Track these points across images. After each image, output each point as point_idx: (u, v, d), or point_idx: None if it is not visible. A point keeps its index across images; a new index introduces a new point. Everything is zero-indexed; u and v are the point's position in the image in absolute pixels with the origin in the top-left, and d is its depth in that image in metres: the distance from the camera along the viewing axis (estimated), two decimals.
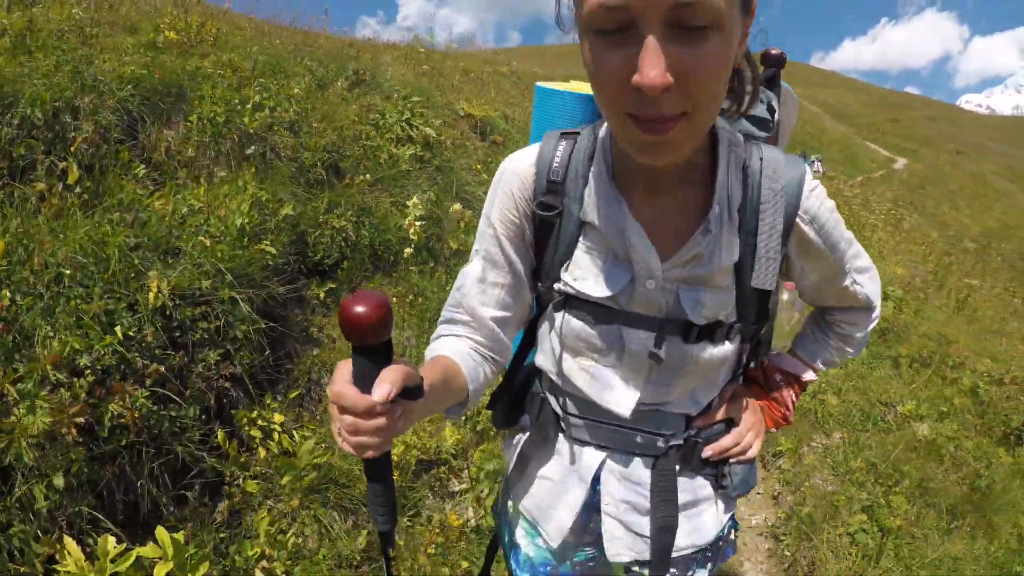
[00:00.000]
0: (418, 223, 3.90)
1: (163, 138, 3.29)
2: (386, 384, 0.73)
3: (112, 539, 1.84)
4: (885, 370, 5.21)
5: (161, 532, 1.88)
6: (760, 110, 1.11)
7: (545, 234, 1.05)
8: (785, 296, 1.36)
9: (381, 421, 0.75)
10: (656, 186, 0.97)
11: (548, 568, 1.25)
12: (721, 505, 1.22)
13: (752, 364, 1.28)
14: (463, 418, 2.94)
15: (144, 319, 2.23)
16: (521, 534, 1.29)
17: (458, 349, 1.07)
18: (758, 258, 0.97)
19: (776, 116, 1.17)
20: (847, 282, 1.11)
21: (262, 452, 2.51)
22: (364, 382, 0.74)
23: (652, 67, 0.69)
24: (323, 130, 4.14)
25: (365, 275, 3.80)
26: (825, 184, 10.41)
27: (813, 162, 13.06)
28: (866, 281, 1.14)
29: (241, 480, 2.40)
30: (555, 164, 1.01)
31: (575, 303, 1.04)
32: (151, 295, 2.19)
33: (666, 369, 1.04)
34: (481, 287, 1.09)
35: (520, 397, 1.25)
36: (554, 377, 1.16)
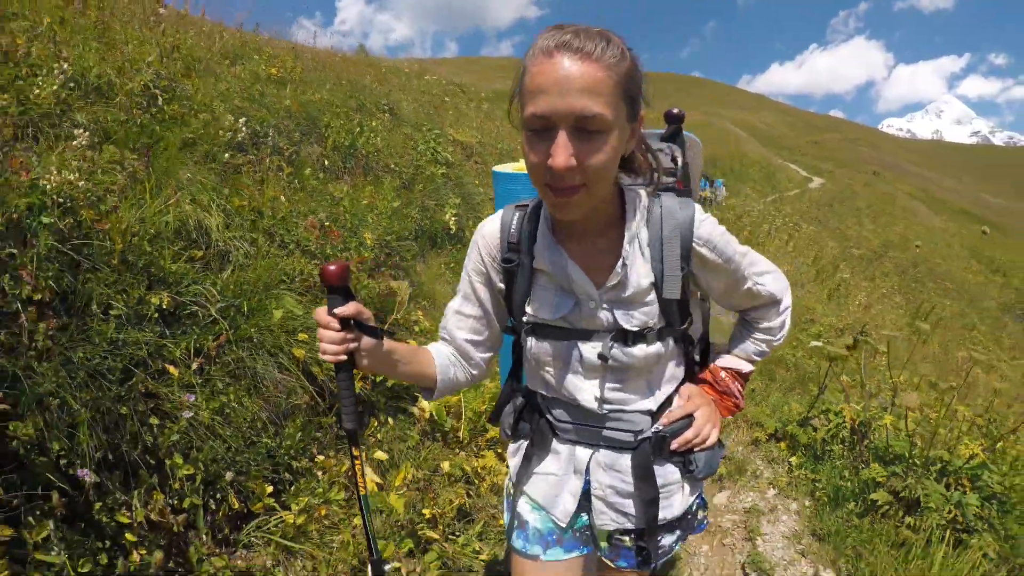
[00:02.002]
0: (453, 218, 6.51)
1: (313, 152, 5.77)
2: (343, 308, 1.29)
3: None
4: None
5: None
6: (665, 161, 1.56)
7: (510, 280, 1.47)
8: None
9: (339, 334, 1.30)
10: (585, 236, 1.40)
11: (554, 536, 1.63)
12: (687, 487, 1.59)
13: (699, 364, 1.67)
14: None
15: (369, 251, 4.66)
16: (529, 511, 1.66)
17: (439, 349, 1.59)
18: (665, 277, 1.36)
19: (680, 163, 1.60)
20: (749, 284, 1.50)
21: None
22: (329, 310, 1.29)
23: (560, 154, 1.12)
24: (400, 153, 6.78)
25: (427, 248, 6.34)
26: (735, 202, 13.99)
27: (717, 185, 16.49)
28: (768, 281, 1.53)
29: None
30: (512, 230, 1.45)
31: (539, 329, 1.46)
32: (368, 239, 4.67)
33: (616, 368, 1.43)
34: (457, 317, 1.57)
35: (520, 414, 1.63)
36: (541, 389, 1.57)
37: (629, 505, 1.54)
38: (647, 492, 1.51)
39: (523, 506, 1.66)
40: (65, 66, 3.31)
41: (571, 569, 1.65)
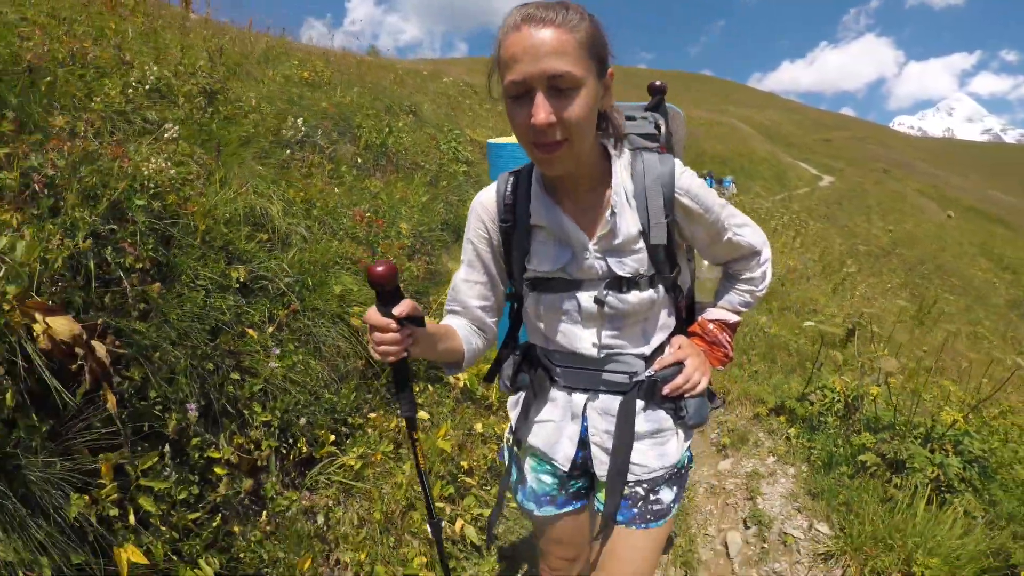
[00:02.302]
0: None
1: (347, 150, 6.17)
2: (399, 307, 1.31)
3: None
4: (760, 314, 8.33)
5: None
6: (649, 128, 1.74)
7: (508, 240, 1.60)
8: (705, 264, 1.84)
9: (396, 335, 1.32)
10: (576, 192, 1.53)
11: (548, 497, 1.76)
12: (681, 434, 1.68)
13: (687, 316, 1.81)
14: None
15: (407, 239, 5.04)
16: (528, 470, 1.79)
17: (457, 323, 1.67)
18: (651, 224, 1.50)
19: (663, 131, 1.76)
20: (729, 235, 1.62)
21: None
22: (385, 311, 1.30)
23: (539, 112, 1.26)
24: (425, 152, 7.20)
25: (452, 240, 6.75)
26: (745, 199, 14.43)
27: (725, 184, 16.92)
28: (746, 232, 1.66)
29: None
30: (507, 193, 1.58)
31: (540, 283, 1.57)
32: (404, 229, 5.06)
33: (612, 315, 1.55)
34: (466, 284, 1.67)
35: (519, 364, 1.75)
36: (540, 342, 1.69)
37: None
38: (625, 436, 1.59)
39: (523, 461, 1.80)
40: (133, 70, 3.72)
41: (567, 521, 1.80)
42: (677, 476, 1.72)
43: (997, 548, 3.20)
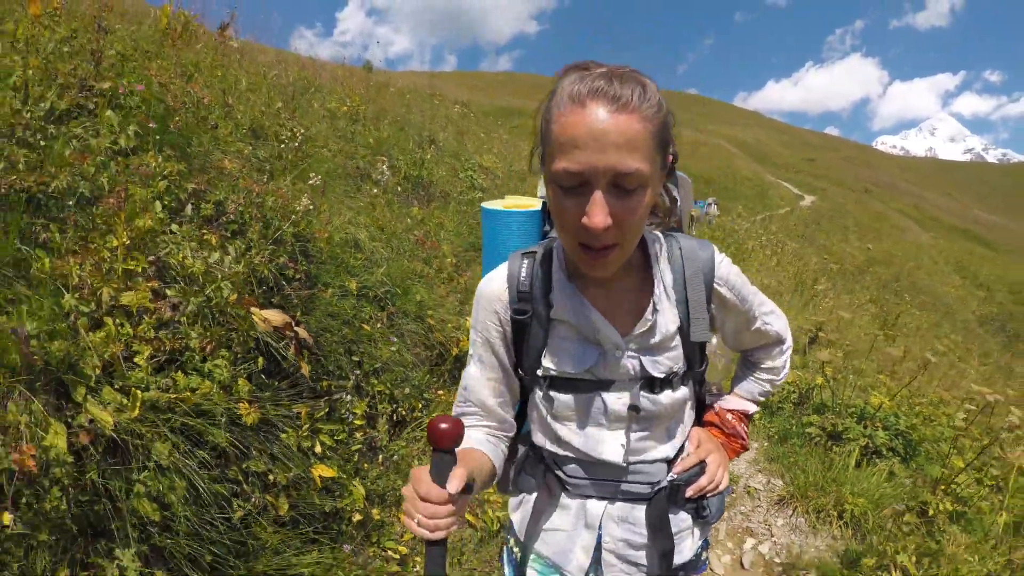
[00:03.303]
0: None
1: (390, 181, 7.27)
2: (456, 480, 1.09)
3: None
4: None
5: None
6: (664, 203, 1.52)
7: (521, 332, 1.41)
8: (714, 341, 1.65)
9: (452, 508, 1.09)
10: (606, 282, 1.36)
11: None
12: (697, 532, 1.56)
13: (705, 405, 1.66)
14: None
15: (445, 259, 6.08)
16: (532, 574, 1.60)
17: (480, 439, 1.46)
18: (692, 319, 1.36)
19: (678, 204, 1.54)
20: (758, 324, 1.51)
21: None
22: (440, 479, 1.08)
23: (597, 214, 1.09)
24: (450, 181, 8.37)
25: (475, 260, 7.86)
26: (725, 219, 15.64)
27: (710, 204, 18.01)
28: (773, 320, 1.54)
29: None
30: (522, 278, 1.38)
31: (559, 382, 1.39)
32: (445, 249, 6.13)
33: (643, 418, 1.39)
34: (479, 382, 1.48)
35: (522, 464, 1.58)
36: (551, 447, 1.49)
37: (641, 557, 1.49)
38: (663, 544, 1.47)
39: (530, 570, 1.61)
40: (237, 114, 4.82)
41: None
42: (688, 567, 1.59)
43: (913, 495, 4.27)
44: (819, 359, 5.43)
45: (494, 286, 1.42)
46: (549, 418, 1.45)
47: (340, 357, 3.54)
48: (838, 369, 5.75)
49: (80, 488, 1.72)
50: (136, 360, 2.00)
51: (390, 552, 3.09)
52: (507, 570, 1.67)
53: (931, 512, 3.99)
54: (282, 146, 4.84)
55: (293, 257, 3.56)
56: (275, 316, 2.96)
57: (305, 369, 3.05)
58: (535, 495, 1.55)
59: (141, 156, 2.99)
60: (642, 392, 1.37)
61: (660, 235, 1.43)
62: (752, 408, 1.66)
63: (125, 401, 1.83)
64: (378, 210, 5.45)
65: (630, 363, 1.35)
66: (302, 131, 5.04)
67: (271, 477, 2.64)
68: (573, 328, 1.37)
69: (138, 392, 1.86)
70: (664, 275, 1.38)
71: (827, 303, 13.59)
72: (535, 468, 1.55)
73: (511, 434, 1.55)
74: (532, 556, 1.58)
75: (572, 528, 1.51)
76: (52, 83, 3.29)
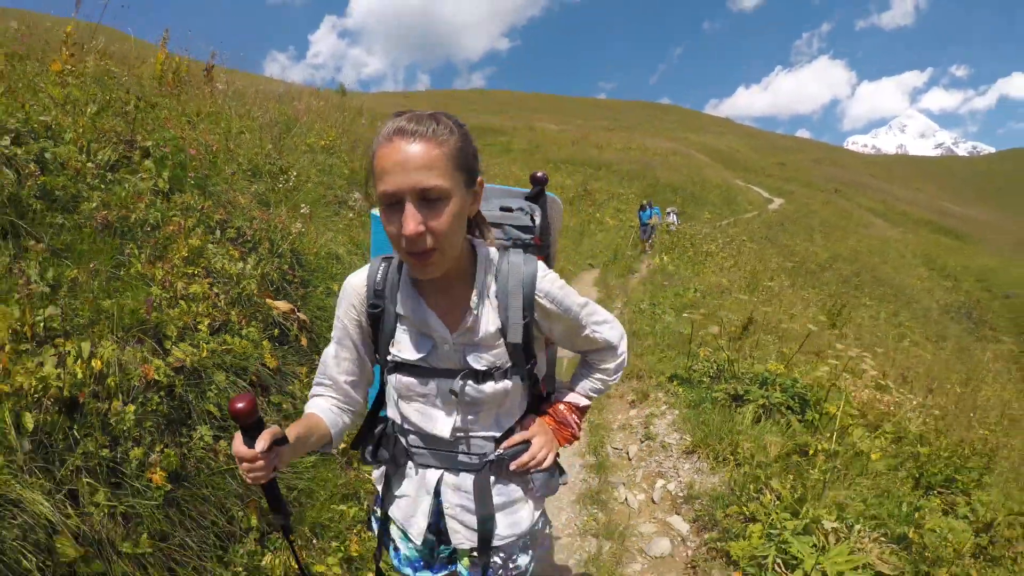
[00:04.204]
0: None
1: (364, 205, 8.36)
2: (261, 440, 1.38)
3: None
4: (668, 315, 10.45)
5: None
6: (524, 220, 1.86)
7: (376, 323, 1.67)
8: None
9: (263, 462, 1.41)
10: (441, 286, 1.62)
11: (420, 563, 1.87)
12: (531, 504, 1.84)
13: (545, 400, 1.94)
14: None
15: None
16: (398, 538, 1.88)
17: (322, 407, 1.75)
18: (510, 324, 1.61)
19: (539, 222, 1.89)
20: (587, 332, 1.78)
21: None
22: (250, 442, 1.40)
23: (409, 222, 1.34)
24: None
25: None
26: (685, 226, 16.86)
27: (669, 214, 19.32)
28: (605, 330, 1.82)
29: None
30: (378, 279, 1.66)
31: (402, 367, 1.65)
32: None
33: (468, 402, 1.66)
34: (335, 360, 1.75)
35: (379, 441, 1.83)
36: (398, 420, 1.77)
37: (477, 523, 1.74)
38: (483, 509, 1.73)
39: (394, 532, 1.89)
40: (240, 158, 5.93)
41: None
42: (531, 541, 1.89)
43: (802, 444, 5.34)
44: (709, 331, 6.57)
45: (356, 282, 1.69)
46: (396, 396, 1.72)
47: (325, 334, 4.62)
48: (750, 344, 6.89)
49: (173, 395, 2.81)
50: (199, 327, 3.12)
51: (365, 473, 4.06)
52: (374, 527, 1.95)
53: (811, 452, 5.06)
54: (276, 183, 5.95)
55: (291, 266, 4.65)
56: (283, 304, 4.06)
57: (304, 341, 4.14)
58: (388, 465, 1.83)
59: (178, 196, 4.09)
60: (469, 382, 1.63)
61: (494, 251, 1.66)
62: (583, 401, 1.94)
63: (195, 351, 2.94)
64: (353, 231, 6.55)
65: (457, 356, 1.63)
66: (294, 175, 6.14)
67: (285, 407, 3.72)
68: (412, 323, 1.63)
69: (203, 344, 2.97)
70: (489, 285, 1.63)
71: (786, 297, 14.74)
72: (388, 441, 1.80)
73: (355, 409, 1.83)
74: (390, 519, 1.87)
75: (415, 494, 1.78)
76: (102, 139, 4.36)
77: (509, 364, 1.65)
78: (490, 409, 1.70)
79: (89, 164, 3.91)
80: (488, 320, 1.62)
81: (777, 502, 4.06)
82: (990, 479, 5.43)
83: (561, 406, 1.91)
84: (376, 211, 1.90)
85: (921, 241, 46.69)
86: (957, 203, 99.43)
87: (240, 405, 1.35)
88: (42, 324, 2.60)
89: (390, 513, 1.84)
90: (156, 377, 2.65)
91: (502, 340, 1.63)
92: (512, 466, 1.73)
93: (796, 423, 5.74)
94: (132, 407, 2.49)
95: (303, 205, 5.38)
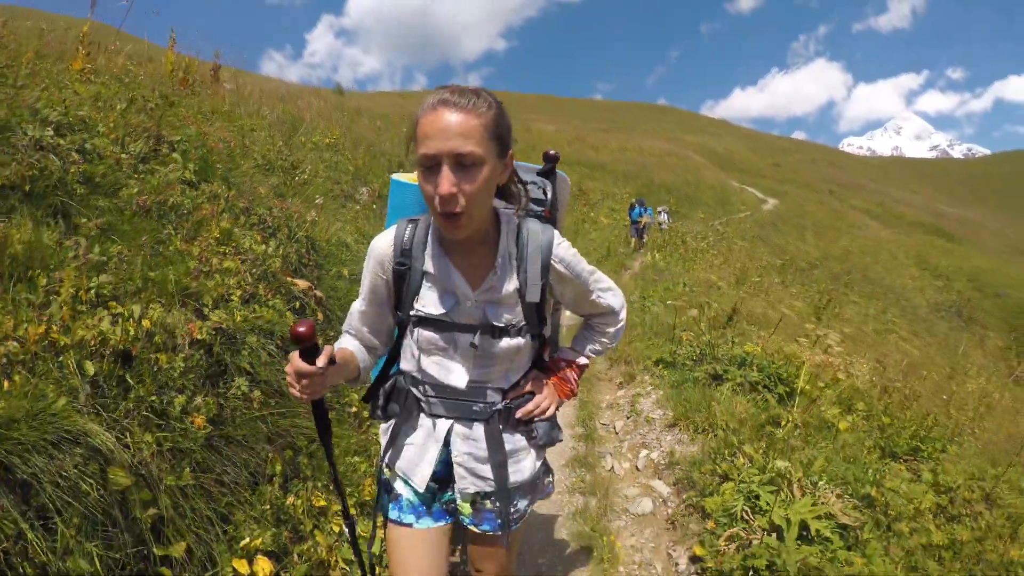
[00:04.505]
0: None
1: (364, 195, 8.76)
2: (323, 357, 1.53)
3: None
4: (654, 305, 10.86)
5: None
6: (538, 193, 2.06)
7: (400, 280, 1.79)
8: (567, 313, 2.24)
9: (321, 378, 1.55)
10: (466, 248, 1.75)
11: (423, 509, 1.94)
12: (534, 453, 1.99)
13: (547, 357, 2.06)
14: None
15: None
16: (402, 485, 1.95)
17: (352, 344, 1.93)
18: (528, 285, 1.75)
19: (550, 196, 2.08)
20: (593, 296, 1.94)
21: None
22: (310, 361, 1.53)
23: (444, 183, 1.50)
24: None
25: None
26: (679, 226, 17.17)
27: (660, 211, 19.72)
28: (609, 296, 1.98)
29: None
30: (405, 239, 1.77)
31: (425, 322, 1.78)
32: None
33: (483, 355, 1.79)
34: (361, 314, 1.92)
35: (390, 394, 1.95)
36: (415, 373, 1.89)
37: (486, 470, 1.89)
38: (497, 456, 1.87)
39: (397, 481, 1.96)
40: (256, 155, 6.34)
41: (440, 535, 1.96)
42: (531, 487, 2.03)
43: (775, 416, 5.74)
44: (691, 316, 7.00)
45: (383, 243, 1.81)
46: (416, 348, 1.84)
47: (338, 311, 5.03)
48: (733, 332, 7.32)
49: (212, 353, 3.23)
50: (232, 297, 3.52)
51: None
52: (378, 488, 2.06)
53: (783, 423, 5.47)
54: (290, 177, 6.36)
55: (307, 251, 5.07)
56: (302, 282, 4.47)
57: (320, 316, 4.54)
58: (397, 419, 1.94)
59: (206, 186, 4.51)
60: (484, 336, 1.77)
61: (515, 217, 1.80)
62: (583, 360, 2.10)
63: (229, 317, 3.35)
64: (359, 222, 6.97)
65: (477, 312, 1.77)
66: (308, 168, 6.55)
67: None
68: (438, 280, 1.76)
69: (236, 312, 3.38)
70: (510, 248, 1.77)
71: (773, 292, 15.14)
72: (399, 395, 1.93)
73: (378, 352, 1.99)
74: (394, 471, 1.95)
75: (423, 443, 1.89)
76: (132, 133, 4.75)
77: (523, 323, 1.79)
78: (502, 363, 1.84)
79: (123, 155, 4.30)
80: (508, 281, 1.75)
81: (749, 464, 4.45)
82: (958, 451, 5.84)
83: (562, 363, 2.07)
84: (396, 175, 2.18)
85: (915, 242, 46.95)
86: (953, 205, 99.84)
87: (302, 329, 1.48)
88: (95, 291, 3.00)
89: (396, 466, 1.93)
90: (199, 336, 3.05)
91: (519, 300, 1.77)
92: (518, 414, 1.89)
93: (771, 399, 6.14)
94: (180, 357, 2.90)
95: (317, 197, 5.79)
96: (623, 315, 2.04)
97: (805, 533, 3.71)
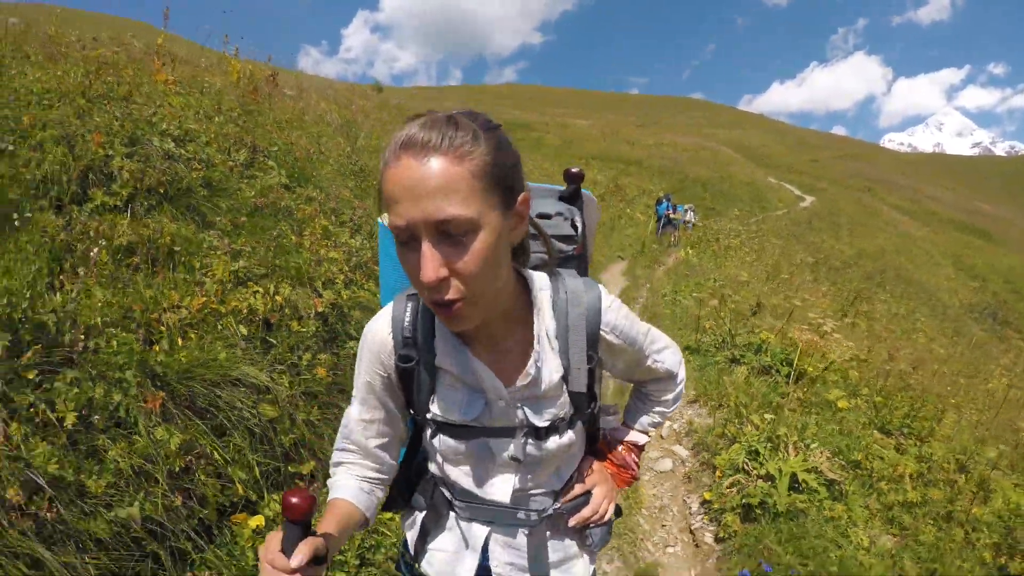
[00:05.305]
0: None
1: None
2: (300, 555, 1.08)
3: None
4: (686, 299, 11.67)
5: None
6: (566, 228, 1.54)
7: (407, 378, 1.37)
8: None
9: None
10: (489, 332, 1.32)
11: None
12: (586, 558, 1.60)
13: (598, 435, 1.66)
14: None
15: None
16: None
17: (351, 488, 1.43)
18: (571, 370, 1.35)
19: (580, 227, 1.58)
20: (649, 362, 1.53)
21: None
22: (288, 550, 1.11)
23: (426, 266, 1.04)
24: None
25: None
26: (711, 223, 17.95)
27: (687, 211, 20.37)
28: (666, 356, 1.57)
29: None
30: (406, 323, 1.34)
31: (446, 427, 1.38)
32: None
33: (529, 463, 1.41)
34: (362, 424, 1.44)
35: (414, 484, 1.59)
36: (440, 475, 1.51)
37: None
38: (539, 571, 1.51)
39: None
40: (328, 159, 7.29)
41: None
42: None
43: (783, 391, 6.53)
44: (709, 303, 7.83)
45: (379, 330, 1.38)
46: (439, 458, 1.46)
47: None
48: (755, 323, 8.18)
49: (327, 323, 4.16)
50: (336, 281, 4.45)
51: None
52: (404, 573, 1.67)
53: (785, 397, 6.31)
54: (362, 181, 7.29)
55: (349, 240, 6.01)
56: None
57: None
58: (424, 513, 1.56)
59: (301, 189, 5.46)
60: (529, 440, 1.38)
61: (547, 278, 1.39)
62: (643, 439, 1.70)
63: (336, 296, 4.30)
64: None
65: (513, 412, 1.36)
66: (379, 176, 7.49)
67: None
68: (458, 378, 1.35)
69: (342, 292, 4.32)
70: (547, 324, 1.35)
71: (803, 289, 15.76)
72: (425, 486, 1.56)
73: (388, 476, 1.53)
74: (422, 572, 1.59)
75: (456, 550, 1.53)
76: (230, 142, 5.69)
77: (572, 412, 1.42)
78: (551, 464, 1.48)
79: (230, 162, 5.25)
80: (551, 367, 1.36)
81: (755, 431, 5.29)
82: (948, 432, 6.60)
83: (620, 447, 1.70)
84: (383, 218, 1.54)
85: (949, 241, 46.88)
86: (993, 204, 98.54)
87: (295, 500, 1.12)
88: (236, 273, 3.95)
89: (423, 568, 1.58)
90: (319, 309, 3.99)
91: (564, 387, 1.39)
92: (571, 522, 1.53)
93: (781, 380, 6.96)
94: (309, 322, 3.84)
95: None
96: (682, 375, 1.66)
97: (797, 486, 4.53)
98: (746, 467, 4.73)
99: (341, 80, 15.52)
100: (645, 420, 1.70)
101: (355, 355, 1.50)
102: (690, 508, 4.82)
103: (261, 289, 3.85)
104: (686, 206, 23.58)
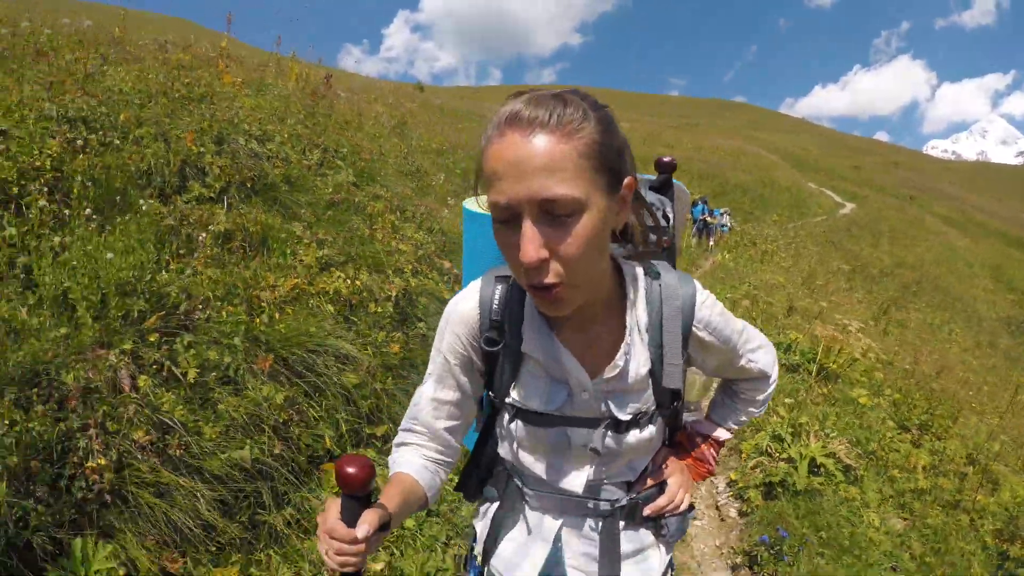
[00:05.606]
0: None
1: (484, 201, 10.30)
2: (365, 525, 1.06)
3: None
4: (722, 300, 12.09)
5: None
6: (657, 218, 1.37)
7: (492, 361, 1.35)
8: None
9: (361, 547, 1.07)
10: (580, 320, 1.28)
11: None
12: (663, 548, 1.54)
13: (676, 430, 1.58)
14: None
15: None
16: None
17: (415, 464, 1.38)
18: (665, 365, 1.29)
19: (672, 220, 1.56)
20: (743, 362, 1.46)
21: None
22: (350, 519, 1.07)
23: (527, 246, 1.00)
24: None
25: None
26: (748, 227, 18.24)
27: (722, 215, 20.62)
28: (760, 356, 1.49)
29: None
30: (495, 306, 1.30)
31: (526, 414, 1.35)
32: None
33: (606, 455, 1.37)
34: (434, 404, 1.39)
35: (487, 474, 1.56)
36: (512, 462, 1.47)
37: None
38: (608, 566, 1.46)
39: None
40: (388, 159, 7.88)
41: None
42: None
43: (807, 385, 6.94)
44: (743, 306, 8.29)
45: (465, 310, 1.35)
46: (514, 444, 1.42)
47: None
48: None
49: (398, 306, 4.73)
50: (405, 270, 5.04)
51: None
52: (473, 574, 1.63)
53: (808, 389, 6.76)
54: (421, 181, 7.89)
55: (445, 241, 6.58)
56: (447, 263, 5.97)
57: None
58: (496, 504, 1.54)
59: (368, 187, 6.06)
60: (608, 432, 1.34)
61: (640, 270, 1.33)
62: (725, 435, 1.65)
63: (406, 283, 4.88)
64: None
65: (597, 404, 1.32)
66: (441, 176, 8.05)
67: None
68: (542, 366, 1.32)
69: (410, 279, 4.91)
70: (640, 316, 1.31)
71: (837, 297, 16.03)
72: (498, 478, 1.54)
73: (453, 460, 1.47)
74: (491, 567, 1.55)
75: (525, 541, 1.50)
76: (302, 143, 6.28)
77: (654, 407, 1.37)
78: (627, 458, 1.43)
79: (305, 161, 5.84)
80: (639, 360, 1.32)
81: (780, 420, 5.76)
82: (964, 430, 7.00)
83: (698, 439, 1.66)
84: (470, 202, 1.61)
85: (992, 252, 46.18)
86: None
87: (351, 469, 1.06)
88: (319, 260, 4.53)
89: (493, 562, 1.55)
90: (393, 292, 4.56)
91: (650, 382, 1.34)
92: (647, 511, 1.49)
93: (807, 377, 7.39)
94: (385, 303, 4.42)
95: (448, 198, 7.30)
96: (775, 375, 1.59)
97: (816, 469, 4.99)
98: (770, 451, 5.21)
99: (383, 79, 16.00)
100: (730, 416, 1.65)
101: (424, 336, 1.54)
102: (716, 487, 5.30)
103: (343, 275, 4.42)
104: (722, 209, 23.55)
